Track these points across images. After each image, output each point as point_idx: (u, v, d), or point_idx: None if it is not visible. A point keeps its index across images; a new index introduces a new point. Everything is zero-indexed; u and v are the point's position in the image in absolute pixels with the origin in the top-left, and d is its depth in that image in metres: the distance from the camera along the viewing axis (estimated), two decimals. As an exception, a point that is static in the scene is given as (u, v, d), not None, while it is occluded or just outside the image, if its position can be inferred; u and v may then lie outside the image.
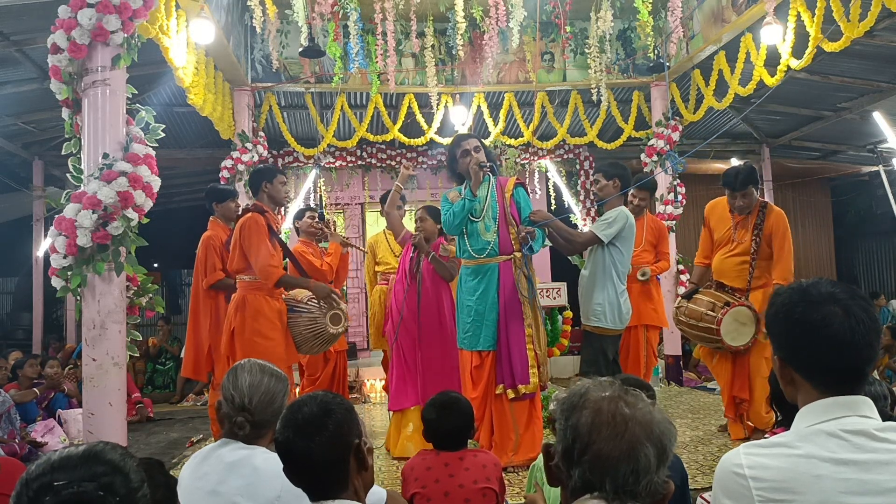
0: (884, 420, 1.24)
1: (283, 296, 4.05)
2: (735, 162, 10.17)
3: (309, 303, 4.02)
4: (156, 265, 12.50)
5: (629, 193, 4.72)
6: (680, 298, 4.73)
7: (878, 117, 8.24)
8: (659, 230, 5.19)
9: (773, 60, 5.89)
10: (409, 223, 5.15)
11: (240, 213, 4.16)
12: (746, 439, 4.56)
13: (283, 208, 6.96)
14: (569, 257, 5.03)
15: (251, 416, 1.94)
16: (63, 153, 3.74)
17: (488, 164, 4.00)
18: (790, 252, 4.29)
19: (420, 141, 7.85)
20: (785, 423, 2.47)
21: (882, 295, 11.08)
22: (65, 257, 3.50)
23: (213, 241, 4.58)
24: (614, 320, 4.04)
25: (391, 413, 4.58)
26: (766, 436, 2.33)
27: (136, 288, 3.87)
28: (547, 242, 4.24)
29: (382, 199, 5.45)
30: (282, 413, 1.90)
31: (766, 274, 4.43)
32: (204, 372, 4.66)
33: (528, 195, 4.18)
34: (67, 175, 3.78)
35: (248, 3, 5.93)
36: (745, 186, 4.34)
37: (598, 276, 4.09)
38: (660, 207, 7.40)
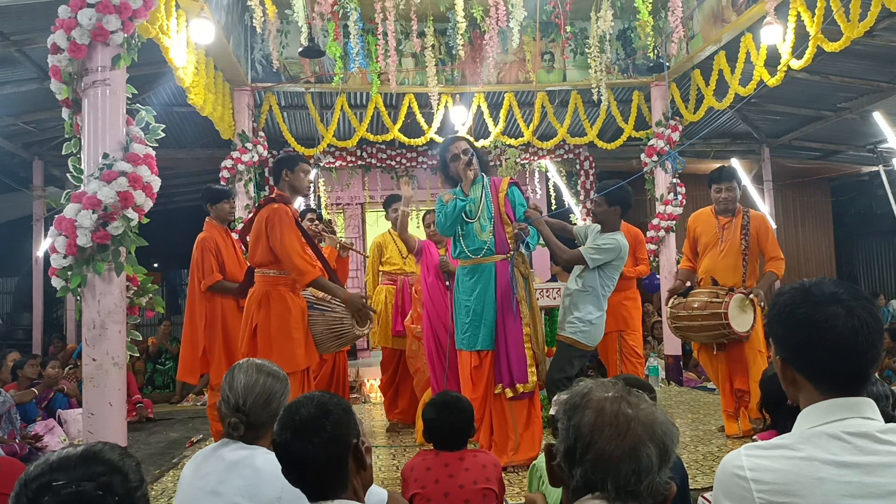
0: (885, 420, 1.23)
1: (303, 291, 3.92)
2: (735, 162, 10.19)
3: (332, 301, 3.87)
4: (156, 265, 12.51)
5: None
6: (675, 297, 4.78)
7: (878, 117, 8.25)
8: (634, 237, 5.31)
9: (773, 60, 5.89)
10: (410, 224, 5.14)
11: (260, 203, 3.97)
12: (742, 437, 4.60)
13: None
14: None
15: (245, 417, 1.93)
16: (63, 153, 3.73)
17: (472, 157, 4.03)
18: (779, 247, 4.76)
19: (420, 141, 7.85)
20: (775, 426, 2.46)
21: (882, 295, 11.08)
22: (65, 257, 3.49)
23: (209, 243, 4.54)
24: (586, 338, 4.03)
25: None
26: (755, 438, 2.33)
27: (136, 288, 3.86)
28: (542, 242, 4.24)
29: (385, 203, 5.44)
30: (279, 411, 1.91)
31: (755, 274, 4.71)
32: (197, 374, 4.63)
33: (523, 194, 4.18)
34: (67, 175, 3.77)
35: (248, 3, 5.93)
36: (730, 179, 4.72)
37: (585, 295, 4.06)
38: (660, 207, 7.41)
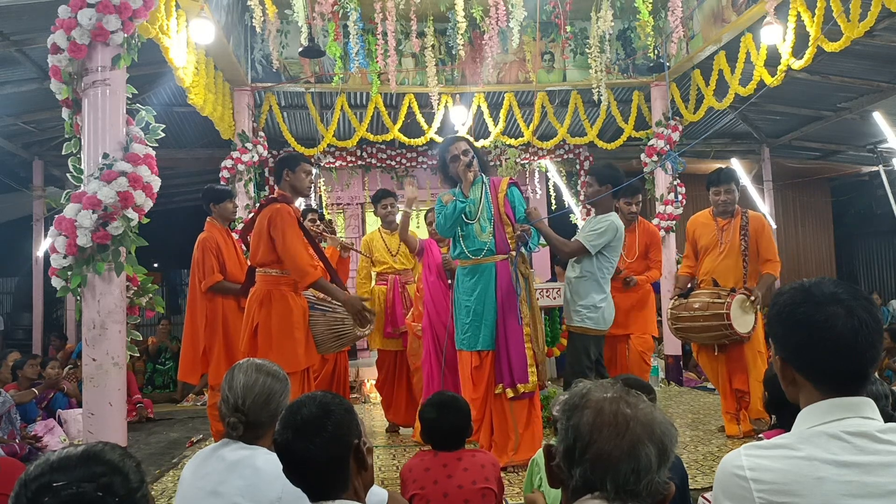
0: (885, 420, 1.23)
1: (304, 291, 3.91)
2: (735, 162, 10.19)
3: (333, 302, 3.86)
4: (156, 265, 12.50)
5: (624, 202, 4.85)
6: (677, 298, 4.79)
7: (878, 117, 8.25)
8: (651, 237, 5.18)
9: (773, 60, 5.88)
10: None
11: (262, 202, 3.96)
12: (743, 438, 4.60)
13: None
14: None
15: (244, 417, 1.94)
16: (63, 153, 3.74)
17: (472, 158, 4.01)
18: (775, 248, 4.77)
19: (420, 141, 7.85)
20: (781, 425, 2.47)
21: (875, 292, 11.08)
22: (65, 257, 3.49)
23: (209, 244, 4.54)
24: (597, 321, 4.07)
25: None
26: (761, 437, 2.34)
27: (136, 288, 3.86)
28: (543, 241, 4.25)
29: (374, 198, 5.38)
30: (279, 411, 1.90)
31: (756, 274, 4.69)
32: (198, 374, 4.64)
33: (522, 194, 4.18)
34: (67, 175, 3.77)
35: (248, 3, 5.93)
36: (728, 181, 4.71)
37: (584, 280, 4.10)
38: (660, 207, 7.41)
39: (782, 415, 2.48)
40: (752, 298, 4.48)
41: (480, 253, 3.97)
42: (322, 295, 3.92)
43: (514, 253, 3.98)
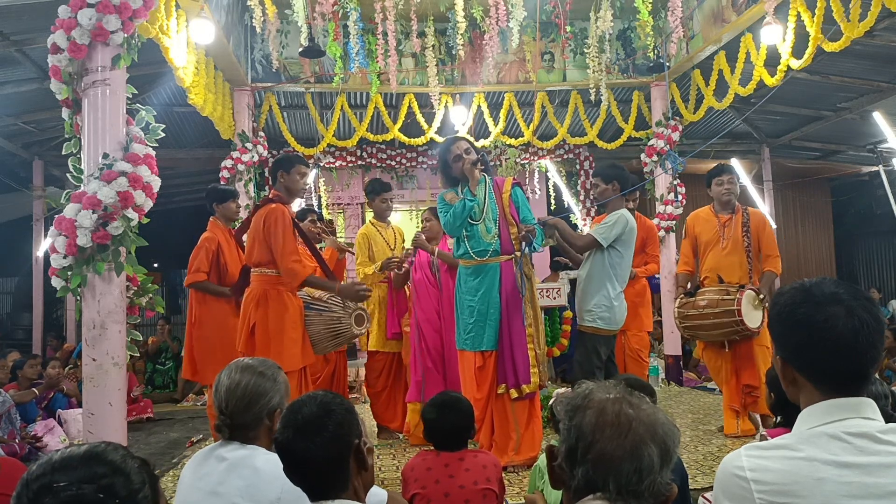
0: (885, 420, 1.23)
1: (299, 291, 3.92)
2: (735, 162, 10.19)
3: (330, 300, 3.87)
4: (156, 265, 12.51)
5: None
6: (683, 297, 4.77)
7: (878, 117, 8.25)
8: (647, 231, 5.17)
9: (773, 60, 5.88)
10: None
11: (259, 203, 3.95)
12: (741, 436, 4.61)
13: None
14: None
15: (229, 420, 1.94)
16: (63, 153, 3.73)
17: (480, 156, 4.01)
18: (776, 244, 4.77)
19: (420, 141, 7.85)
20: (786, 425, 2.47)
21: (872, 289, 11.08)
22: (65, 257, 3.49)
23: (209, 244, 4.53)
24: (608, 321, 4.09)
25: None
26: (763, 432, 2.34)
27: (136, 288, 3.86)
28: (547, 241, 4.24)
29: (371, 189, 5.05)
30: (265, 411, 1.92)
31: (759, 271, 4.69)
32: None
33: (526, 194, 4.18)
34: (67, 175, 3.77)
35: (248, 3, 5.93)
36: (731, 172, 4.76)
37: (595, 278, 4.12)
38: (660, 207, 7.41)
39: (787, 414, 2.48)
40: (762, 297, 4.48)
41: (486, 254, 3.95)
42: (317, 294, 3.93)
43: (518, 253, 3.97)
